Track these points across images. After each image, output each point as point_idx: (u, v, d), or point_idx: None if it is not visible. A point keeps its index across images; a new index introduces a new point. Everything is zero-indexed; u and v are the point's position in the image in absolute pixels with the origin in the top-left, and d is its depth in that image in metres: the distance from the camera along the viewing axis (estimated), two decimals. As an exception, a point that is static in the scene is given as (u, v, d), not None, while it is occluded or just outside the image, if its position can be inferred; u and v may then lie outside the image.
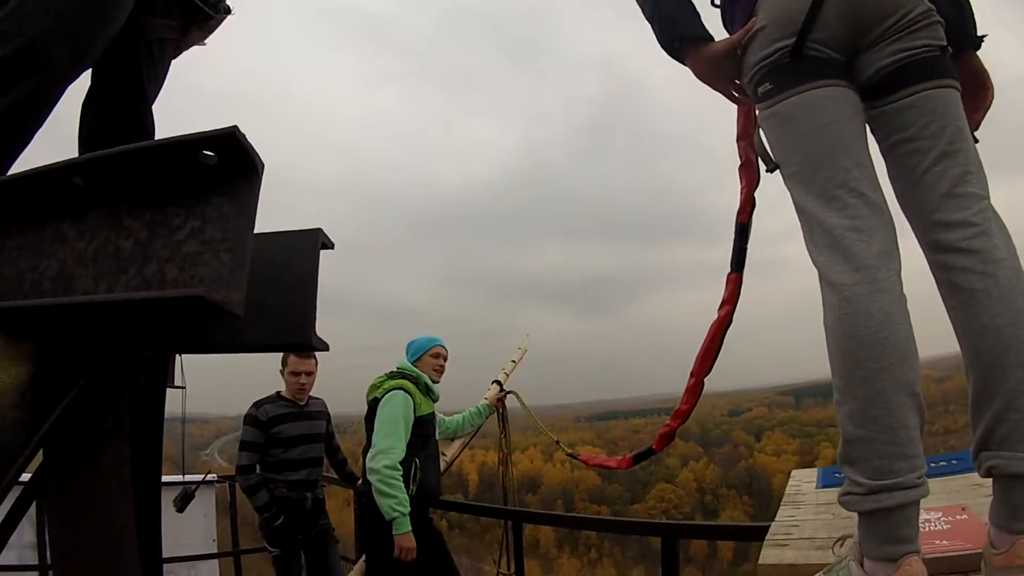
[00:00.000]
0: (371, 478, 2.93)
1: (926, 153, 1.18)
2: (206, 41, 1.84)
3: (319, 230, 1.09)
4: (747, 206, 1.94)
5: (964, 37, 1.31)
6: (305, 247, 1.08)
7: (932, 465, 1.85)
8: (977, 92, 1.35)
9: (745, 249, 1.99)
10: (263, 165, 0.95)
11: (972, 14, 1.32)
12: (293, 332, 1.03)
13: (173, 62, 1.74)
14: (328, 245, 1.10)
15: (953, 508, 1.41)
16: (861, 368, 1.07)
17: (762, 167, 1.35)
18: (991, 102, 1.36)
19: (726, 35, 1.36)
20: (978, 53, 1.35)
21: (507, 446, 3.70)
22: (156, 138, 1.55)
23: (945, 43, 1.20)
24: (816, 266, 1.17)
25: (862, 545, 1.07)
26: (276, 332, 1.04)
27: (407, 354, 3.35)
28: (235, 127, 0.93)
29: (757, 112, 1.32)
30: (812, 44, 1.20)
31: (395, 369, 3.28)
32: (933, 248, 1.17)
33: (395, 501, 2.90)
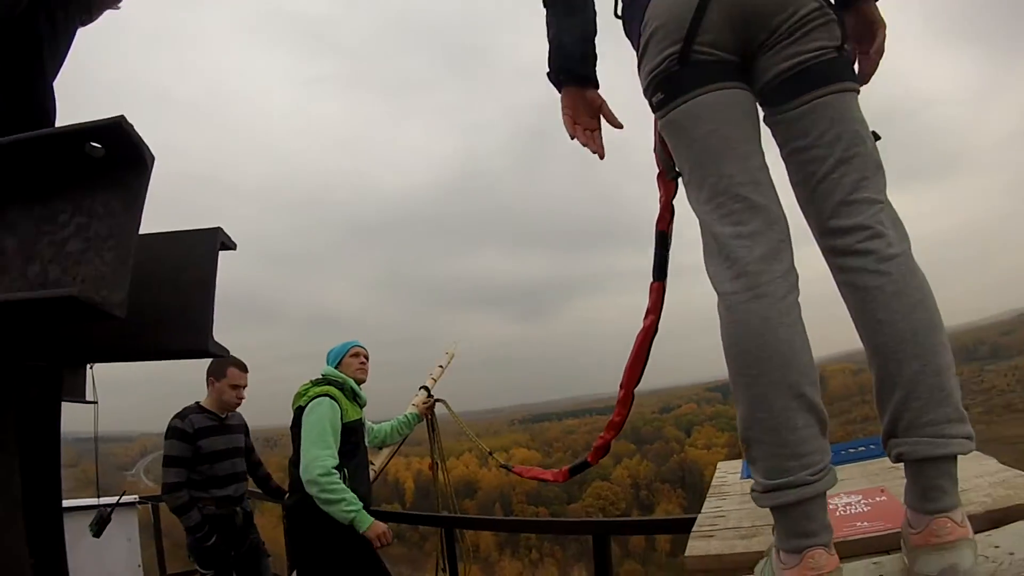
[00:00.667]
0: (311, 491, 2.84)
1: (823, 161, 1.19)
2: (120, 4, 1.65)
3: (218, 229, 1.02)
4: (666, 214, 1.92)
5: None
6: (204, 248, 1.01)
7: (851, 451, 1.94)
8: (872, 37, 1.34)
9: (666, 257, 1.99)
10: (153, 158, 0.89)
11: None
12: (189, 337, 0.97)
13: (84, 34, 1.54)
14: (229, 245, 1.04)
15: (872, 491, 1.48)
16: (744, 374, 1.10)
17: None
18: (883, 48, 1.35)
19: (628, 44, 1.35)
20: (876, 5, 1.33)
21: (438, 454, 3.65)
22: (58, 123, 1.40)
23: (841, 42, 1.20)
24: (708, 278, 1.19)
25: (775, 537, 1.11)
26: (171, 337, 0.97)
27: (328, 361, 3.27)
28: (122, 117, 0.86)
29: (657, 122, 1.33)
30: (700, 48, 1.19)
31: (320, 376, 3.19)
32: (831, 253, 1.20)
33: (344, 503, 2.84)
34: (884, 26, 1.35)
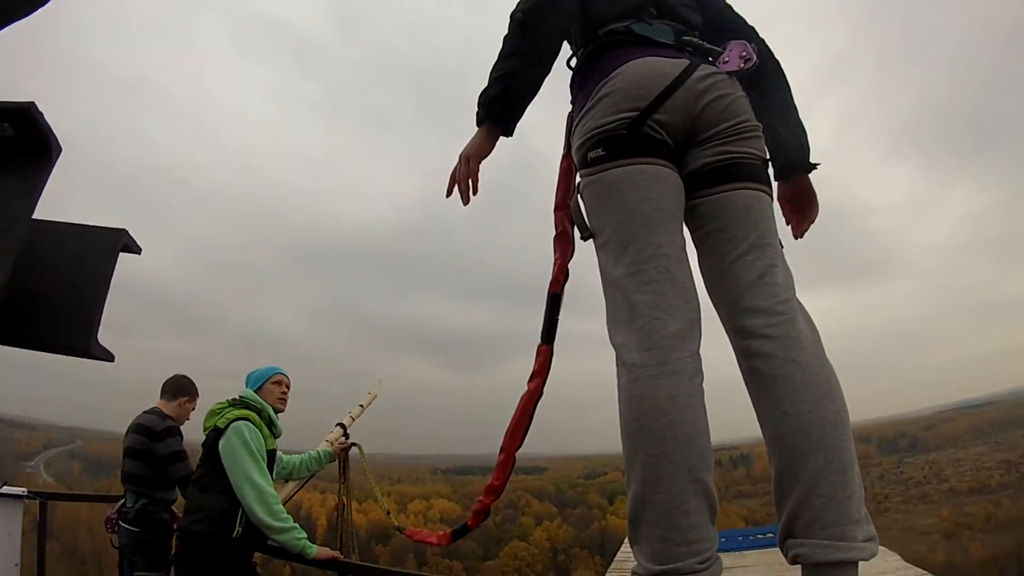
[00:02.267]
0: (264, 519, 2.76)
1: (739, 243, 1.24)
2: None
3: (123, 231, 0.99)
4: (560, 277, 1.92)
5: (802, 162, 1.44)
6: (104, 246, 0.98)
7: (759, 536, 1.96)
8: (806, 207, 1.48)
9: (556, 320, 1.98)
10: (60, 150, 0.86)
11: (808, 145, 1.44)
12: (73, 334, 0.92)
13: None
14: (132, 249, 1.00)
15: None
16: (642, 452, 1.07)
17: (577, 236, 1.38)
18: (815, 216, 1.48)
19: (569, 97, 1.42)
20: (809, 176, 1.47)
21: (346, 494, 3.54)
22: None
23: (766, 157, 1.32)
24: (612, 345, 1.18)
25: None
26: (54, 330, 0.92)
27: (247, 383, 3.15)
28: (32, 103, 0.84)
29: (580, 178, 1.34)
30: (652, 123, 1.24)
31: (237, 397, 3.07)
32: (738, 334, 1.20)
33: (296, 531, 2.83)
34: (817, 204, 1.47)
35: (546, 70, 1.42)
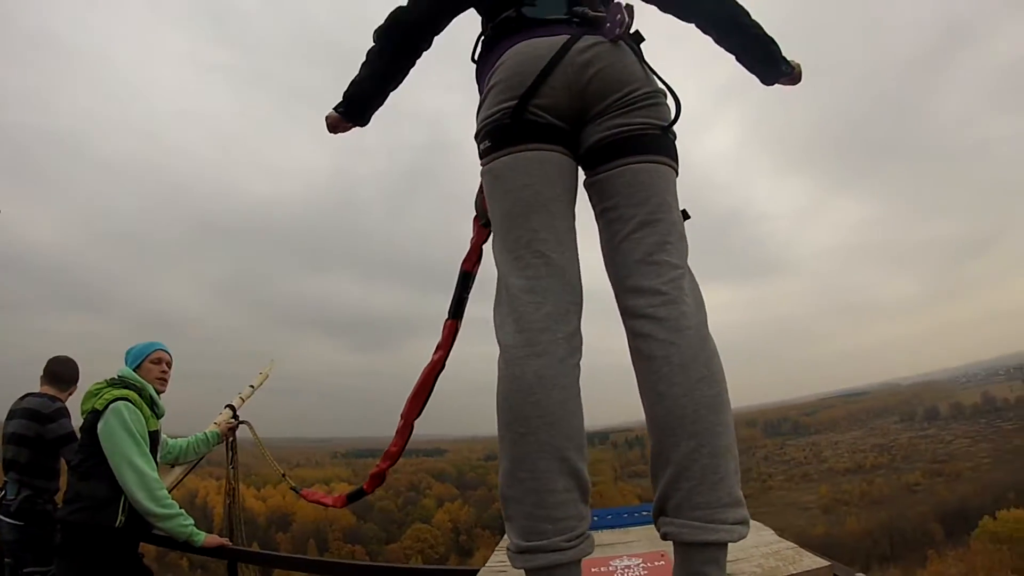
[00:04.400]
0: (148, 506, 2.60)
1: (628, 221, 1.22)
2: None
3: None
4: (473, 256, 1.97)
5: (776, 73, 1.53)
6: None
7: (644, 513, 2.00)
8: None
9: (465, 298, 2.03)
10: None
11: (778, 54, 1.51)
12: None
13: None
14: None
15: (653, 555, 1.51)
16: (510, 431, 1.09)
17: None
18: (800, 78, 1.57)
19: (476, 88, 1.39)
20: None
21: (235, 478, 3.34)
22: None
23: (667, 123, 1.26)
24: (494, 328, 1.19)
25: None
26: None
27: (126, 361, 2.93)
28: None
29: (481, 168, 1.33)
30: (534, 109, 1.22)
31: (116, 376, 2.85)
32: (624, 313, 1.20)
33: (182, 518, 2.69)
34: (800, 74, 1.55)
35: (395, 77, 1.53)
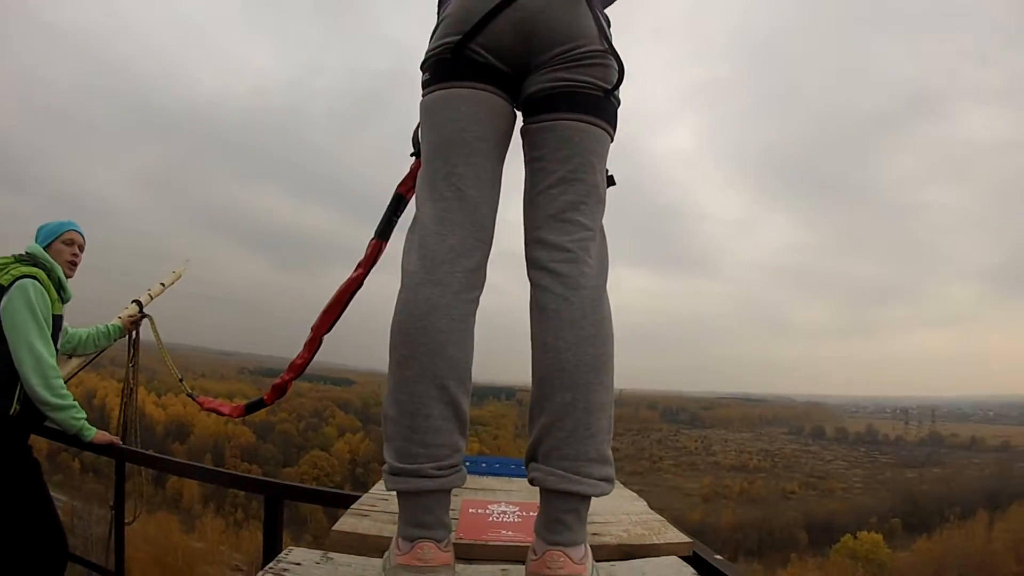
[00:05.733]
0: (40, 394, 2.50)
1: (549, 174, 1.20)
2: None
3: None
4: (410, 181, 1.93)
5: None
6: None
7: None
8: None
9: (395, 221, 2.02)
10: None
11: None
12: None
13: None
14: None
15: (530, 504, 1.55)
16: (396, 353, 1.10)
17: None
18: None
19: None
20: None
21: (134, 378, 3.25)
22: None
23: (610, 87, 1.23)
24: (402, 253, 1.20)
25: (397, 522, 1.10)
26: None
27: (36, 238, 2.80)
28: None
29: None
30: (475, 47, 1.19)
31: (24, 252, 2.71)
32: (529, 263, 1.21)
33: (75, 410, 2.63)
34: None
35: None
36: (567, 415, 1.09)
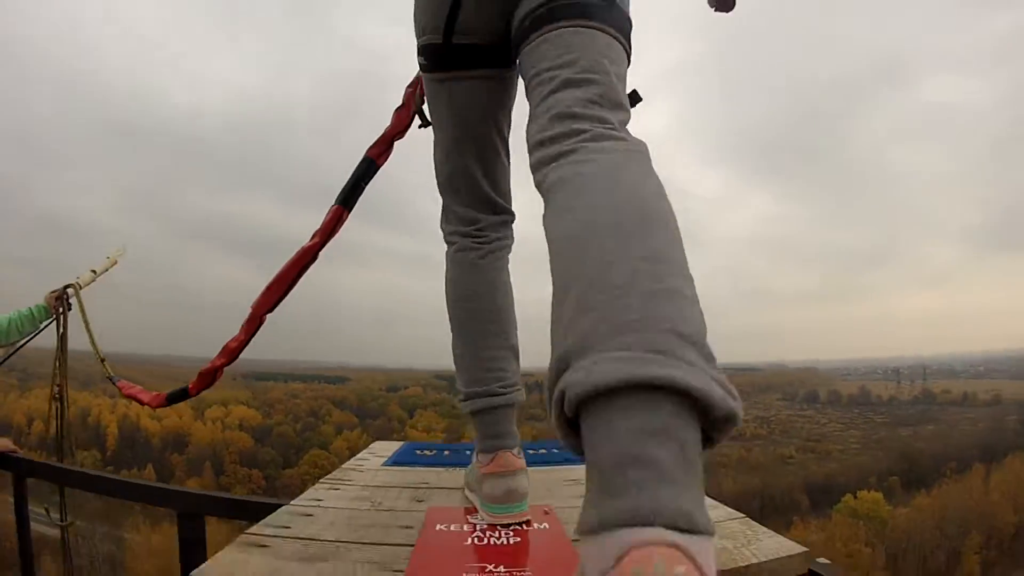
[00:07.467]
0: None
1: (551, 82, 0.94)
2: None
3: None
4: (383, 146, 1.88)
5: None
6: None
7: (530, 452, 1.83)
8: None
9: (362, 187, 1.93)
10: None
11: None
12: None
13: None
14: None
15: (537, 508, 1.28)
16: (457, 307, 1.28)
17: (417, 121, 1.43)
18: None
19: None
20: None
21: (63, 372, 2.80)
22: None
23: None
24: (442, 232, 1.35)
25: (475, 442, 1.24)
26: None
27: None
28: None
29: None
30: (459, 36, 1.13)
31: None
32: (535, 174, 0.90)
33: None
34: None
35: None
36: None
